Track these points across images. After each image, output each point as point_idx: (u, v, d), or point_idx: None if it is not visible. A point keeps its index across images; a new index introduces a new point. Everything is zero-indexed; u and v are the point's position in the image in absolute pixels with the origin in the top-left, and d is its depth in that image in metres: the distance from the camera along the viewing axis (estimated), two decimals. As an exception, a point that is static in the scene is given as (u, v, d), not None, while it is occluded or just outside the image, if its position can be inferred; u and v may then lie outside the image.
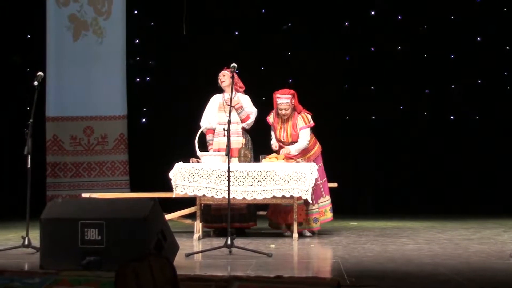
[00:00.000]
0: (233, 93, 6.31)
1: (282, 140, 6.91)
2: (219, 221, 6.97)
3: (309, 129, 6.86)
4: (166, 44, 10.27)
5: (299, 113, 6.86)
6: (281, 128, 6.91)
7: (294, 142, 6.85)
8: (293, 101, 6.84)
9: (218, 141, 7.05)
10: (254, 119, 7.10)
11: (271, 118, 6.98)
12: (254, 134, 7.25)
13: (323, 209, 6.94)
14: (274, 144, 6.96)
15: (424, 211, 9.81)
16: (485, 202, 9.99)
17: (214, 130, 7.13)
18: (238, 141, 6.91)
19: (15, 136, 8.28)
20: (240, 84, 7.16)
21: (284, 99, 6.82)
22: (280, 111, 6.85)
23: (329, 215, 6.99)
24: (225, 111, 6.85)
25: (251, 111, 7.09)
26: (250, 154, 6.92)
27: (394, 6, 10.32)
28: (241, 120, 7.04)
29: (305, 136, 6.82)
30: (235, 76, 6.84)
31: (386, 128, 10.34)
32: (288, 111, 6.83)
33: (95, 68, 9.59)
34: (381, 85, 10.38)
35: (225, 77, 7.04)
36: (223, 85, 7.07)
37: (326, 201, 6.98)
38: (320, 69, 10.14)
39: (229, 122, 5.71)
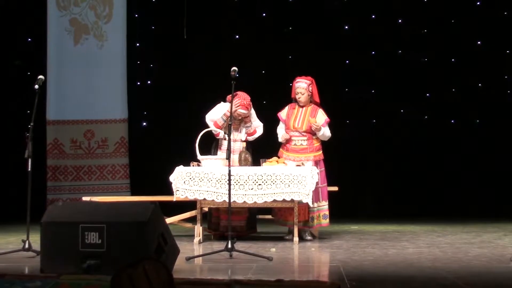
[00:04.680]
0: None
1: (296, 127, 6.89)
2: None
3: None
4: (166, 47, 10.27)
5: (319, 107, 6.93)
6: (296, 116, 6.91)
7: (308, 131, 6.84)
8: (310, 88, 6.90)
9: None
10: (260, 134, 7.06)
11: (283, 113, 7.01)
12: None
13: (317, 213, 6.91)
14: (284, 136, 6.93)
15: (424, 214, 9.80)
16: (486, 206, 9.98)
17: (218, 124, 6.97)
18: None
19: (16, 139, 8.28)
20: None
21: (302, 82, 6.94)
22: (296, 95, 6.93)
23: (323, 221, 6.93)
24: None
25: (258, 125, 7.06)
26: (250, 157, 6.91)
27: (395, 9, 10.32)
28: (247, 133, 7.02)
29: (328, 131, 6.91)
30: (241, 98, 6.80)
31: (387, 131, 10.34)
32: (304, 96, 6.88)
33: (95, 72, 9.57)
34: (381, 88, 10.38)
35: (245, 107, 6.85)
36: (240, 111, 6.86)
37: (322, 206, 6.93)
38: (320, 72, 10.12)
39: (229, 126, 5.70)
